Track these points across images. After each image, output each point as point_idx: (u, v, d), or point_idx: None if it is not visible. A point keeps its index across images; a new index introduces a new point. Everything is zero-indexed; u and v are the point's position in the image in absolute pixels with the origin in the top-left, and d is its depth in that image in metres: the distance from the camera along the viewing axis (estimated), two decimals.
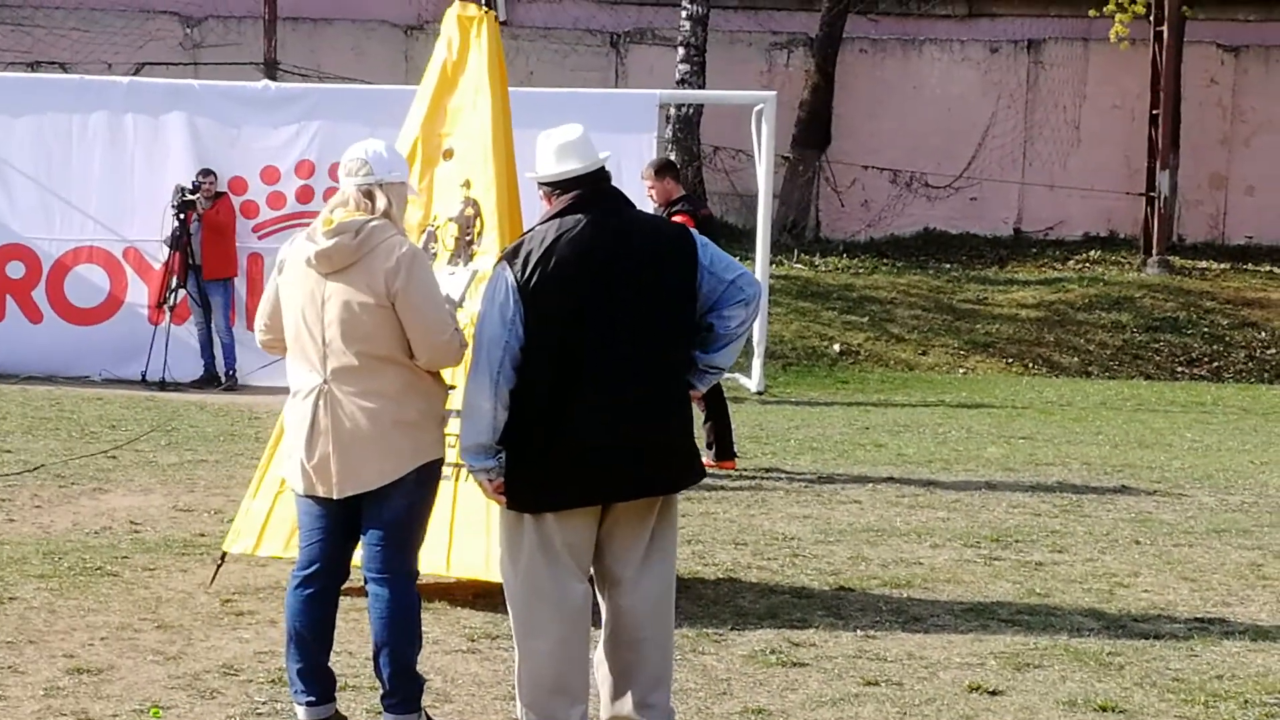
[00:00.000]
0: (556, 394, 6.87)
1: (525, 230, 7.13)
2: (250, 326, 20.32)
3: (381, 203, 7.12)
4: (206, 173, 20.43)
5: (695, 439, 7.27)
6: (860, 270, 29.04)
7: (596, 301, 6.92)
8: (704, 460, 7.37)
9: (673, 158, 23.95)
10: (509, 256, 6.96)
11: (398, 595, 7.06)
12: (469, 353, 7.11)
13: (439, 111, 9.98)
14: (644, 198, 14.15)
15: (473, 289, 9.36)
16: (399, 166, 7.23)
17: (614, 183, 7.24)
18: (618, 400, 6.92)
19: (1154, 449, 17.25)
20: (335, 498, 7.07)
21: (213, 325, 20.41)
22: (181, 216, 20.09)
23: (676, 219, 14.08)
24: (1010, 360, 25.83)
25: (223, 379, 20.25)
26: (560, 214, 7.04)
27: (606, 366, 6.90)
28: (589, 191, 7.10)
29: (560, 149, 7.11)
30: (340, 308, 6.99)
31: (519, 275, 6.88)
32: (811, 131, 31.17)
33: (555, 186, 7.13)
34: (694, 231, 7.23)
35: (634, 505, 7.07)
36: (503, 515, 7.06)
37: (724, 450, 14.80)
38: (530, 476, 6.90)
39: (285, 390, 7.28)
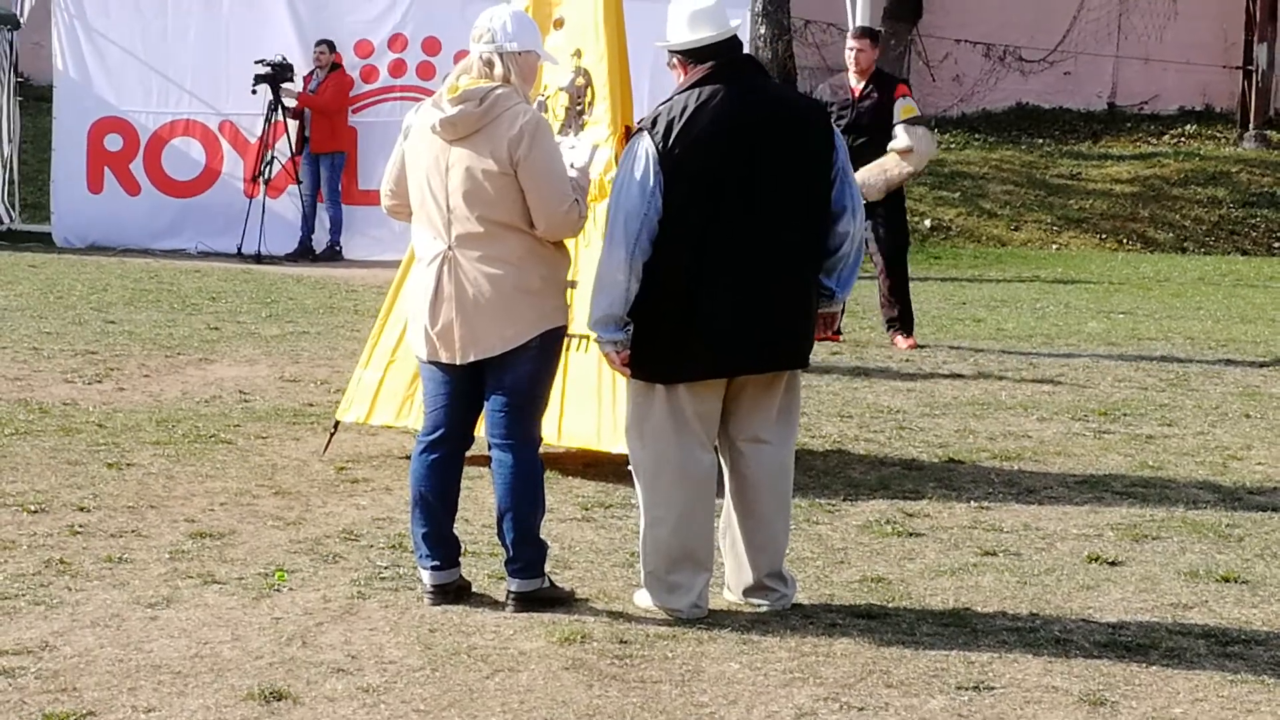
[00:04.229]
0: (691, 266, 6.85)
1: (664, 100, 7.05)
2: (347, 200, 20.48)
3: (499, 70, 7.08)
4: (321, 43, 20.43)
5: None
6: (952, 145, 28.78)
7: (736, 173, 6.87)
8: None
9: (763, 31, 23.72)
10: (648, 126, 6.91)
11: (521, 461, 7.09)
12: (601, 224, 7.08)
13: None
14: None
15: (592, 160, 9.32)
16: (522, 36, 7.14)
17: None
18: (751, 273, 6.90)
19: (1257, 324, 17.07)
20: (458, 363, 7.08)
21: (319, 198, 20.46)
22: (279, 90, 20.14)
23: (900, 87, 14.54)
24: (1104, 236, 25.59)
25: (316, 251, 20.31)
26: (699, 83, 6.97)
27: (741, 239, 6.88)
28: (725, 61, 7.03)
29: (692, 16, 7.02)
30: (464, 174, 6.97)
31: (659, 145, 6.83)
32: (903, 4, 30.80)
33: (689, 55, 7.06)
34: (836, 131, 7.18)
35: (761, 377, 7.08)
36: (632, 386, 7.06)
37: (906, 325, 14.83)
38: (662, 348, 6.89)
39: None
